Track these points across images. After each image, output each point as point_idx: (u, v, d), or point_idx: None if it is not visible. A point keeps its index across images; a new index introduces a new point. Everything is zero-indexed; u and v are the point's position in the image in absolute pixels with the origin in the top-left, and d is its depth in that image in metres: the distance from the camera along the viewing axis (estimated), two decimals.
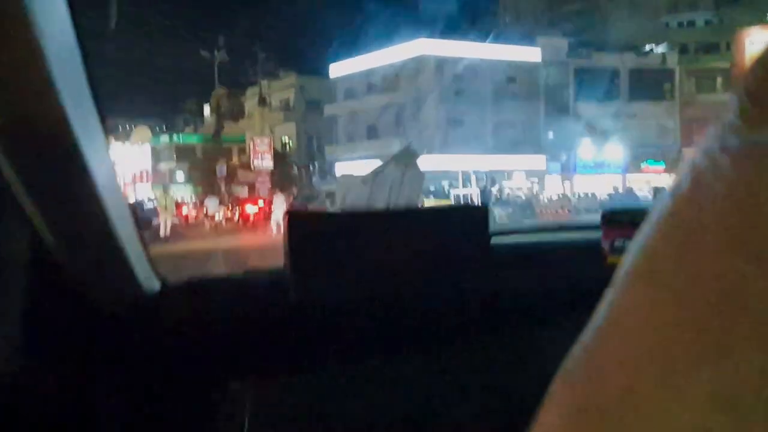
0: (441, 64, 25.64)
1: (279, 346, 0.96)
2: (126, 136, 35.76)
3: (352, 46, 27.05)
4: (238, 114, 35.46)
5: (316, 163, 29.83)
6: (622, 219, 1.12)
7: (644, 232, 0.20)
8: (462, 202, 16.65)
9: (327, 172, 27.63)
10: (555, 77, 27.70)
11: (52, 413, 0.80)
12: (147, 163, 33.61)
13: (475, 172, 22.70)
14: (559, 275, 1.11)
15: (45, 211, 0.71)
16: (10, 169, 0.65)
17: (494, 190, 23.12)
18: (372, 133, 28.20)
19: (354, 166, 27.29)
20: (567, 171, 26.95)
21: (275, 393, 0.95)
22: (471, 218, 1.04)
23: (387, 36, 25.04)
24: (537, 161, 26.78)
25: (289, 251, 0.92)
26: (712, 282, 0.17)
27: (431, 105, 25.36)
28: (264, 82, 32.48)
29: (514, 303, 1.07)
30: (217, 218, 18.30)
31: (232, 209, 15.19)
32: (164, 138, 34.74)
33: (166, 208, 14.86)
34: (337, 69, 29.69)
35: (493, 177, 24.60)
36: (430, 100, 25.36)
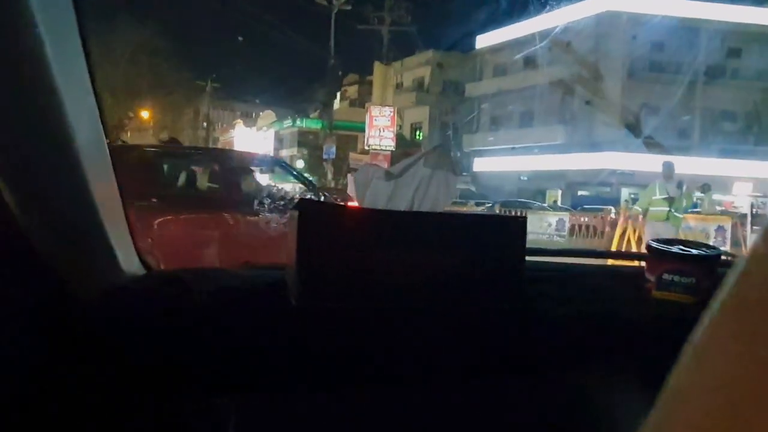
0: (633, 25, 18.77)
1: (274, 357, 0.85)
2: (253, 121, 34.92)
3: (502, 16, 21.14)
4: (366, 99, 31.77)
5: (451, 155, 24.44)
6: (671, 252, 1.01)
7: (726, 284, 0.21)
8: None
9: (463, 166, 22.00)
10: None
11: (15, 401, 0.74)
12: (270, 148, 31.60)
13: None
14: (596, 304, 1.03)
15: (18, 181, 0.66)
16: None
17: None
18: (527, 119, 22.03)
19: (498, 162, 21.53)
20: None
21: (265, 412, 0.84)
22: (506, 230, 0.95)
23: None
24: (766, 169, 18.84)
25: (298, 247, 0.83)
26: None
27: (614, 83, 18.57)
28: (397, 63, 27.90)
29: (544, 331, 0.97)
30: None
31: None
32: (287, 123, 32.72)
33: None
34: (485, 41, 23.91)
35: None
36: (612, 77, 18.58)
